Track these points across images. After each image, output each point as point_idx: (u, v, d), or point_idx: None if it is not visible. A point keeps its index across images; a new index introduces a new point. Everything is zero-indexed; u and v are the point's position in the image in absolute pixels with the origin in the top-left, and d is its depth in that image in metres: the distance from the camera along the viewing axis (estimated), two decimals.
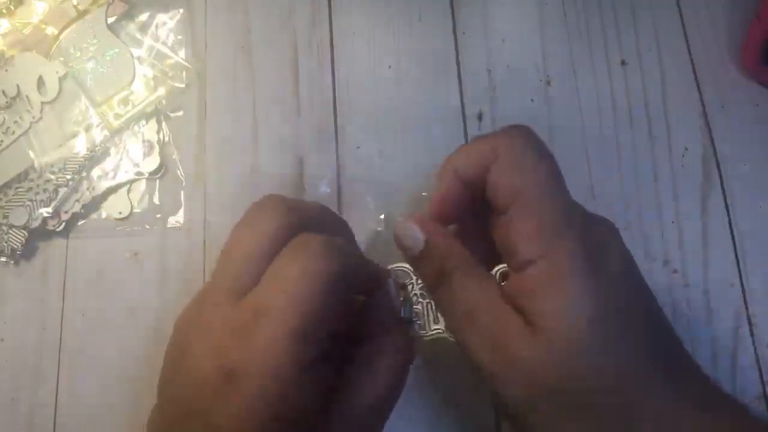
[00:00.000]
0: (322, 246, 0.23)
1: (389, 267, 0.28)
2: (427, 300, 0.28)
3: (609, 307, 0.22)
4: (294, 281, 0.22)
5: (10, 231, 0.36)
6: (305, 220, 0.25)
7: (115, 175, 0.37)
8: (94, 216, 0.37)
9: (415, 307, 0.28)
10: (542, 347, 0.22)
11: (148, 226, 0.37)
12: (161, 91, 0.38)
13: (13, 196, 0.37)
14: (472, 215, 0.27)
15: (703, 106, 0.38)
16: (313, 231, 0.25)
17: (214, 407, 0.22)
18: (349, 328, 0.26)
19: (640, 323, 0.23)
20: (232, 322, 0.22)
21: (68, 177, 0.37)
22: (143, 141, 0.38)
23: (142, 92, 0.38)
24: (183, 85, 0.39)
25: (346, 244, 0.25)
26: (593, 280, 0.22)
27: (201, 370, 0.22)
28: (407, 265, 0.28)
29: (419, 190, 0.36)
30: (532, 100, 0.38)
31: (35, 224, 0.36)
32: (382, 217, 0.36)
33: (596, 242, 0.24)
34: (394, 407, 0.26)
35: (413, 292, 0.28)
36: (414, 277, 0.28)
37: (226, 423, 0.21)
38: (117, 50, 0.39)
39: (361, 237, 0.36)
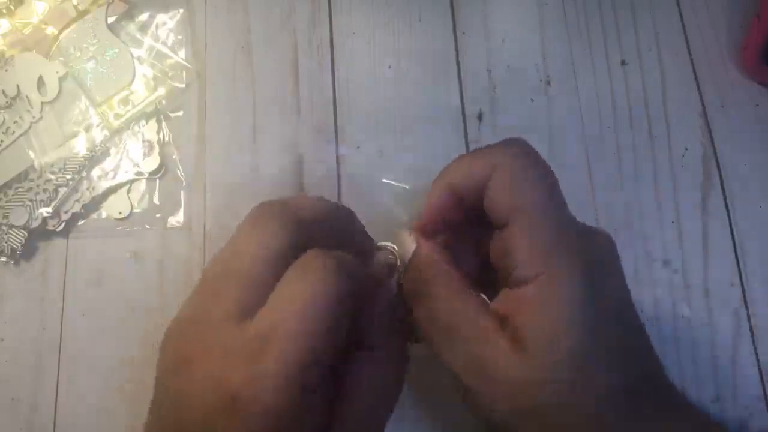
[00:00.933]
0: (331, 267, 0.22)
1: (378, 244, 0.28)
2: None
3: (598, 335, 0.23)
4: (305, 305, 0.21)
5: (10, 231, 0.36)
6: (310, 229, 0.24)
7: (115, 175, 0.37)
8: (94, 216, 0.37)
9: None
10: (527, 366, 0.22)
11: (148, 226, 0.37)
12: (161, 91, 0.38)
13: (13, 196, 0.37)
14: (463, 228, 0.27)
15: (703, 106, 0.38)
16: (318, 238, 0.24)
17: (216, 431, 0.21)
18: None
19: (626, 355, 0.24)
20: (238, 347, 0.21)
21: (68, 177, 0.37)
22: (143, 141, 0.38)
23: (142, 92, 0.38)
24: (183, 85, 0.39)
25: (352, 262, 0.24)
26: (587, 307, 0.23)
27: (202, 395, 0.21)
28: (394, 245, 0.28)
29: (419, 190, 0.36)
30: (532, 100, 0.38)
31: (35, 224, 0.36)
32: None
33: (594, 263, 0.24)
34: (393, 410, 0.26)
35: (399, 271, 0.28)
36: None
37: None
38: (117, 50, 0.39)
39: None
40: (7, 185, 0.37)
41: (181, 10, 0.40)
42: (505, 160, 0.25)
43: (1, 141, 0.38)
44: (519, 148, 0.26)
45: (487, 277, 0.27)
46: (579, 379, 0.22)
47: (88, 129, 0.38)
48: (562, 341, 0.22)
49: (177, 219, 0.37)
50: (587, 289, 0.23)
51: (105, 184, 0.37)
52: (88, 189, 0.37)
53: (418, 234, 0.27)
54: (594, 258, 0.24)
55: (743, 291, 0.35)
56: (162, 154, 0.38)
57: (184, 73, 0.39)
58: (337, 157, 0.37)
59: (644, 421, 0.23)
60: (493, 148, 0.26)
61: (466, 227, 0.27)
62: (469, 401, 0.25)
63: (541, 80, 0.39)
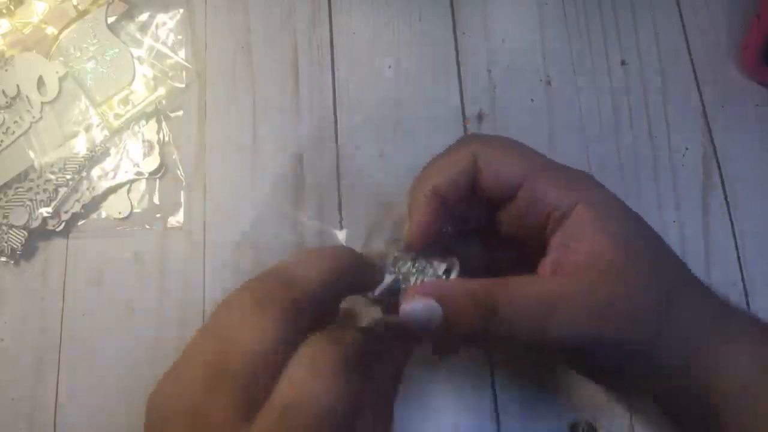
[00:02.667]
0: (340, 365, 0.20)
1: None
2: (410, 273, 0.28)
3: (648, 234, 0.26)
4: (319, 402, 0.19)
5: (10, 231, 0.36)
6: (312, 303, 0.22)
7: (115, 175, 0.37)
8: (94, 216, 0.37)
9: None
10: (576, 281, 0.24)
11: (148, 226, 0.37)
12: (161, 91, 0.38)
13: (13, 196, 0.37)
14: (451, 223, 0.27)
15: (703, 106, 0.38)
16: (324, 301, 0.22)
17: None
18: None
19: (663, 265, 0.26)
20: None
21: (68, 177, 0.37)
22: (143, 141, 0.38)
23: (142, 92, 0.38)
24: (183, 85, 0.39)
25: (356, 338, 0.22)
26: (632, 213, 0.25)
27: None
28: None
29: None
30: (532, 100, 0.38)
31: (35, 224, 0.36)
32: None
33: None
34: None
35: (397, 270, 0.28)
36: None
37: None
38: (117, 50, 0.39)
39: (362, 238, 0.36)
40: (7, 185, 0.37)
41: (181, 10, 0.40)
42: (481, 142, 0.26)
43: (1, 141, 0.38)
44: (482, 134, 0.28)
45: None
46: (621, 287, 0.24)
47: (88, 129, 0.38)
48: (640, 252, 0.24)
49: (177, 219, 0.37)
50: (625, 211, 0.25)
51: (105, 184, 0.37)
52: (88, 189, 0.37)
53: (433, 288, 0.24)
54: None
55: (745, 290, 0.35)
56: (162, 154, 0.38)
57: (184, 73, 0.39)
58: (337, 157, 0.37)
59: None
60: (458, 144, 0.27)
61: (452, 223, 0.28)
62: (577, 359, 0.26)
63: (541, 80, 0.39)
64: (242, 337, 0.20)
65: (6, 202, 0.37)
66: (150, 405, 0.21)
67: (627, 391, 0.28)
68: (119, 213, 0.37)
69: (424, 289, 0.24)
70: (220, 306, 0.21)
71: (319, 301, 0.22)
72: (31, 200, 0.36)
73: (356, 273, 0.25)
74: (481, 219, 0.28)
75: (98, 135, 0.38)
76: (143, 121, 0.38)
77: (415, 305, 0.23)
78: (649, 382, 0.26)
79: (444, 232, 0.28)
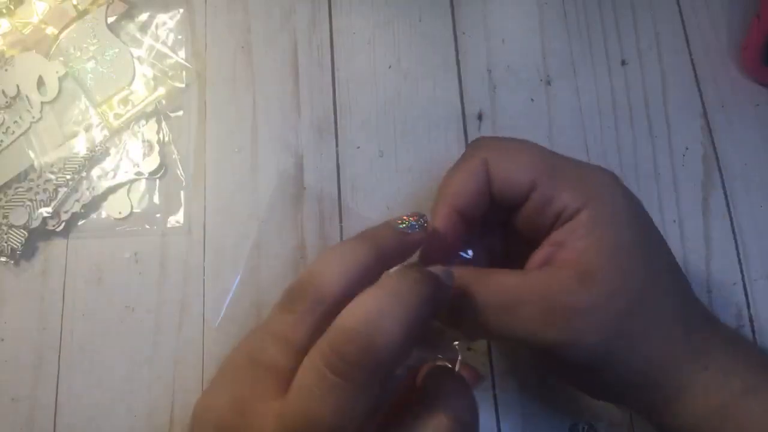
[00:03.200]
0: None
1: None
2: None
3: (644, 243, 0.25)
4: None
5: (10, 231, 0.36)
6: (336, 302, 0.23)
7: (115, 175, 0.37)
8: (94, 216, 0.37)
9: None
10: (596, 291, 0.23)
11: (148, 226, 0.37)
12: (161, 91, 0.38)
13: (13, 196, 0.37)
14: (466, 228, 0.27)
15: (704, 106, 0.38)
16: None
17: None
18: None
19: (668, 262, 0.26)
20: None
21: (68, 177, 0.37)
22: (143, 141, 0.38)
23: (142, 92, 0.38)
24: (183, 85, 0.39)
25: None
26: (636, 220, 0.26)
27: None
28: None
29: (419, 190, 0.36)
30: (532, 100, 0.38)
31: (35, 224, 0.36)
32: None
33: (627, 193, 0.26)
34: None
35: None
36: None
37: None
38: (117, 50, 0.39)
39: None
40: (7, 185, 0.37)
41: (181, 10, 0.40)
42: (488, 147, 0.27)
43: (1, 141, 0.38)
44: (489, 138, 0.28)
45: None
46: (641, 295, 0.24)
47: (88, 129, 0.38)
48: (622, 260, 0.24)
49: (177, 219, 0.37)
50: (628, 218, 0.25)
51: (105, 184, 0.37)
52: (88, 189, 0.37)
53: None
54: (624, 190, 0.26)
55: (745, 290, 0.35)
56: (162, 154, 0.38)
57: (184, 73, 0.39)
58: (337, 157, 0.37)
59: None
60: (470, 153, 0.27)
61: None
62: (546, 359, 0.26)
63: (541, 80, 0.39)
64: (276, 333, 0.23)
65: (6, 202, 0.37)
66: (197, 406, 0.24)
67: (597, 396, 0.28)
68: (119, 213, 0.37)
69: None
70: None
71: (342, 295, 0.23)
72: (31, 200, 0.36)
73: (387, 255, 0.26)
74: (500, 218, 0.28)
75: (98, 135, 0.38)
76: (143, 121, 0.38)
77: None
78: (616, 390, 0.26)
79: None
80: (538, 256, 0.26)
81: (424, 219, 0.26)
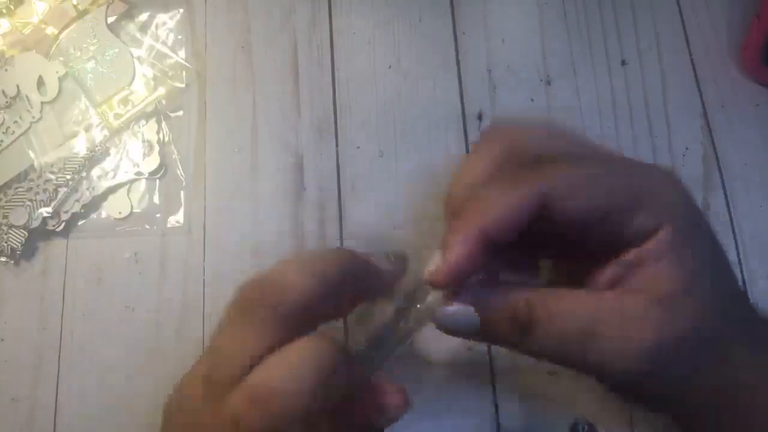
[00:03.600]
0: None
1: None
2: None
3: (722, 263, 0.24)
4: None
5: (10, 231, 0.36)
6: (299, 311, 0.22)
7: (115, 175, 0.37)
8: (94, 216, 0.37)
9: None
10: (670, 317, 0.22)
11: (148, 226, 0.37)
12: (161, 91, 0.38)
13: (13, 196, 0.37)
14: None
15: (704, 106, 0.38)
16: (309, 314, 0.23)
17: None
18: None
19: (741, 300, 0.25)
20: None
21: (68, 177, 0.37)
22: (143, 141, 0.38)
23: (142, 92, 0.38)
24: (183, 85, 0.39)
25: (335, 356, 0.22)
26: (709, 241, 0.24)
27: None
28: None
29: (419, 190, 0.36)
30: (532, 100, 0.38)
31: (35, 224, 0.36)
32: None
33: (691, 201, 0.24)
34: None
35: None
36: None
37: None
38: (117, 50, 0.39)
39: (362, 238, 0.36)
40: (7, 185, 0.37)
41: (181, 10, 0.40)
42: (548, 176, 0.22)
43: (1, 141, 0.38)
44: (545, 168, 0.23)
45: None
46: (710, 323, 0.22)
47: (88, 129, 0.38)
48: (706, 282, 0.22)
49: (177, 219, 0.37)
50: (710, 241, 0.24)
51: (105, 184, 0.37)
52: (88, 189, 0.37)
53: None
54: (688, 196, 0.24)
55: (746, 291, 0.35)
56: (162, 154, 0.38)
57: (184, 73, 0.39)
58: (337, 157, 0.37)
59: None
60: (509, 174, 0.24)
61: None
62: (618, 386, 0.24)
63: (541, 80, 0.39)
64: (226, 348, 0.22)
65: (6, 202, 0.37)
66: (163, 412, 0.25)
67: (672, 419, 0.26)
68: (119, 213, 0.37)
69: (464, 297, 0.23)
70: (221, 318, 0.23)
71: (307, 305, 0.22)
72: (31, 200, 0.36)
73: (356, 277, 0.24)
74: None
75: (98, 135, 0.38)
76: (143, 121, 0.38)
77: (456, 309, 0.23)
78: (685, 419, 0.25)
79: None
80: (605, 276, 0.23)
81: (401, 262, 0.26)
